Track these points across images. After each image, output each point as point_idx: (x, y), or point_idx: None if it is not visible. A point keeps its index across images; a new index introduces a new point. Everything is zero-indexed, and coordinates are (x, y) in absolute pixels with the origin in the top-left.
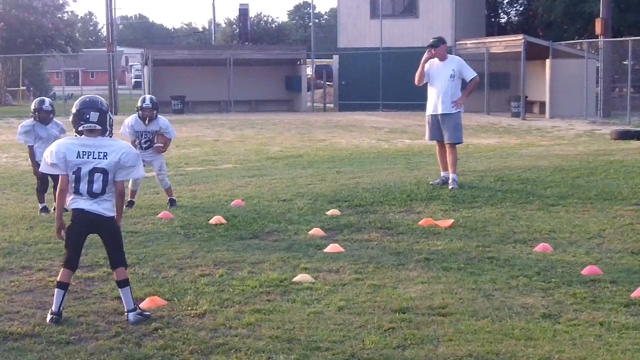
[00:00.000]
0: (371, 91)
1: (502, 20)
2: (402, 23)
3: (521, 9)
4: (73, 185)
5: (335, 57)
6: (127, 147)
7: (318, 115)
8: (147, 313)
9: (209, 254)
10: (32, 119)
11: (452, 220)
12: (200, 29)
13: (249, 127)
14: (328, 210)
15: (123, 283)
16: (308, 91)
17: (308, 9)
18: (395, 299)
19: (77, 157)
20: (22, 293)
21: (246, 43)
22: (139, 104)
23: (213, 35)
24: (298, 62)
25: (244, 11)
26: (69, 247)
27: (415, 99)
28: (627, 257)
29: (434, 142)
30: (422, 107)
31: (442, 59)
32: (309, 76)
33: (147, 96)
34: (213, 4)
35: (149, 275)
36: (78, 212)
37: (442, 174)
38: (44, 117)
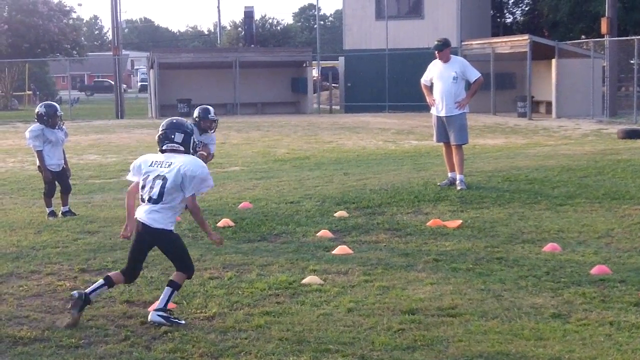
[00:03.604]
0: (377, 92)
1: (508, 21)
2: (408, 24)
3: (527, 9)
4: (140, 193)
5: (341, 59)
6: (193, 158)
7: (324, 117)
8: (173, 319)
9: (218, 257)
10: (39, 123)
11: (460, 220)
12: (206, 32)
13: (256, 129)
14: (336, 212)
15: (170, 282)
16: (314, 93)
17: (313, 10)
18: (404, 300)
19: (149, 166)
20: (31, 297)
21: (252, 45)
22: (200, 114)
23: (219, 38)
24: (304, 64)
25: (249, 14)
26: (128, 257)
27: (421, 99)
28: (635, 256)
29: (441, 143)
30: (429, 108)
31: (446, 60)
32: (314, 78)
33: (211, 107)
34: (218, 7)
35: (158, 279)
36: (137, 223)
37: (450, 174)
38: (56, 122)
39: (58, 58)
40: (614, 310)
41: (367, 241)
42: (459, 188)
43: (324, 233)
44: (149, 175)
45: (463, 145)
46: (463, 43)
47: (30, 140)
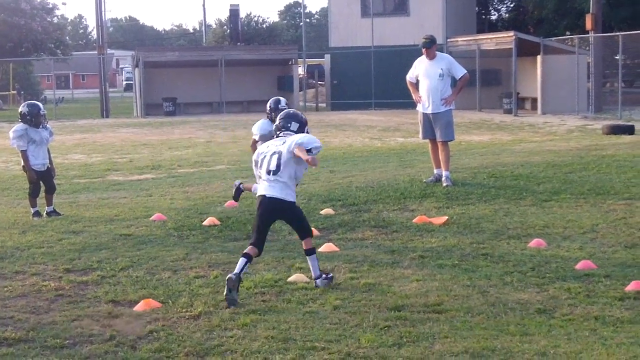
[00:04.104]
0: (363, 90)
1: (493, 17)
2: (393, 21)
3: (512, 5)
4: (258, 171)
5: (327, 57)
6: (301, 135)
7: (310, 115)
8: (330, 275)
9: (203, 256)
10: (23, 123)
11: (446, 217)
12: (191, 30)
13: (242, 127)
14: (322, 209)
15: (309, 252)
16: (300, 91)
17: (299, 8)
18: (390, 297)
19: (266, 148)
20: (16, 298)
21: (237, 44)
22: (272, 105)
23: (204, 37)
24: (290, 62)
25: (234, 12)
26: (254, 231)
27: (407, 97)
28: (620, 251)
29: (427, 140)
30: (414, 105)
31: (432, 57)
32: (300, 76)
33: (282, 98)
34: (203, 5)
35: (143, 278)
36: (260, 198)
37: (435, 171)
38: (40, 121)
39: (42, 57)
40: (599, 305)
41: (353, 238)
42: (444, 185)
43: None
44: (265, 155)
45: (449, 142)
46: (448, 40)
47: (14, 141)
